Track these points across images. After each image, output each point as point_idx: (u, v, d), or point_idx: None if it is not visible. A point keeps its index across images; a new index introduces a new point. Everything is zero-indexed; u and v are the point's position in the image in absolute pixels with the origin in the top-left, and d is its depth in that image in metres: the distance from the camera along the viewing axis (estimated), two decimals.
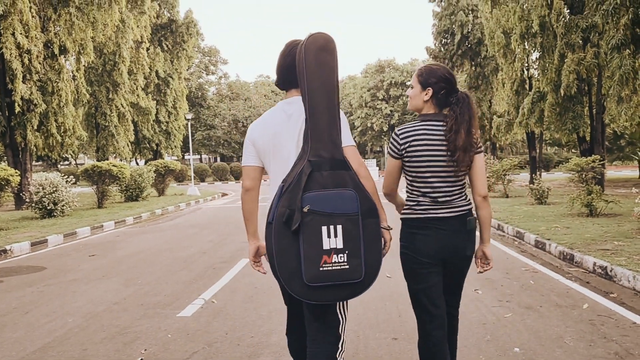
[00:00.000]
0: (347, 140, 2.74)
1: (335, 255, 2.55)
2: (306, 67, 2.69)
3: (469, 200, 3.05)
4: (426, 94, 3.00)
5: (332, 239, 2.55)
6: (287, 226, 2.55)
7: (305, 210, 2.54)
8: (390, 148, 3.04)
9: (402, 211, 3.08)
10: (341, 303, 2.81)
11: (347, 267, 2.56)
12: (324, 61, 2.70)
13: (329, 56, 2.72)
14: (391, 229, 2.84)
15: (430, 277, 3.01)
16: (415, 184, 3.00)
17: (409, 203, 3.04)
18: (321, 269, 2.54)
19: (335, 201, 2.58)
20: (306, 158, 2.64)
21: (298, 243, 2.55)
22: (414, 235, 2.98)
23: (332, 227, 2.55)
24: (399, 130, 3.00)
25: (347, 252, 2.56)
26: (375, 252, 2.64)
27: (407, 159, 2.95)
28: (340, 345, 2.82)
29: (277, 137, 2.81)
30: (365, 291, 2.64)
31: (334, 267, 2.55)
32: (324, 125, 2.68)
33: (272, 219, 2.61)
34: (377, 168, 46.63)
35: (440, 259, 3.00)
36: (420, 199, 2.98)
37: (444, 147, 2.90)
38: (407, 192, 3.07)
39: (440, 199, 2.94)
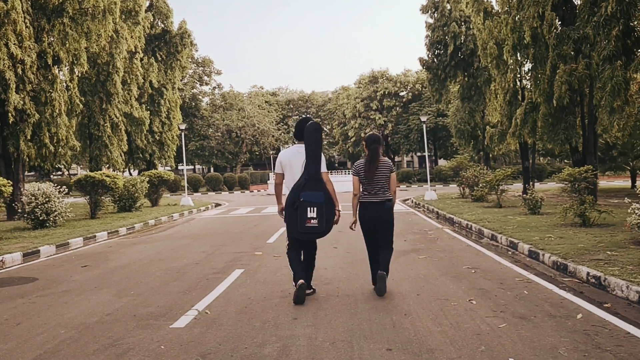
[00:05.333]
0: (323, 169, 6.26)
1: (312, 220, 6.04)
2: (307, 137, 6.20)
3: (388, 194, 6.50)
4: (366, 147, 6.69)
5: (312, 213, 6.04)
6: (293, 206, 6.08)
7: (301, 199, 6.05)
8: (353, 170, 6.69)
9: (359, 199, 6.58)
10: (315, 241, 6.54)
11: (317, 225, 6.06)
12: (315, 136, 6.22)
13: (318, 133, 6.23)
14: (340, 210, 6.42)
15: (369, 229, 6.62)
16: (363, 186, 6.56)
17: (361, 195, 6.57)
18: (306, 225, 6.05)
19: (314, 196, 6.09)
20: (304, 176, 6.15)
21: (297, 214, 6.06)
22: (362, 210, 6.56)
23: (312, 207, 6.04)
24: (356, 163, 6.68)
25: (317, 219, 6.04)
26: (331, 220, 6.17)
27: (359, 176, 6.56)
28: (315, 257, 6.71)
29: (291, 161, 6.31)
30: (325, 235, 6.21)
31: (311, 225, 6.05)
32: (313, 163, 6.17)
33: (287, 202, 6.14)
34: None
35: (373, 222, 6.53)
36: (364, 192, 6.54)
37: (366, 169, 6.56)
38: (361, 190, 6.60)
39: (372, 192, 6.49)
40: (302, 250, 6.52)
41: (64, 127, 20.75)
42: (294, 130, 6.51)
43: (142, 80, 34.28)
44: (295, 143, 6.59)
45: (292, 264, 6.41)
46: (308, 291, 6.52)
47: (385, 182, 6.45)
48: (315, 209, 6.00)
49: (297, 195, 6.04)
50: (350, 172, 6.76)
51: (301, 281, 6.23)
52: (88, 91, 29.32)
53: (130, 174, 39.87)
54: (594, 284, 6.67)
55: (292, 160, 6.29)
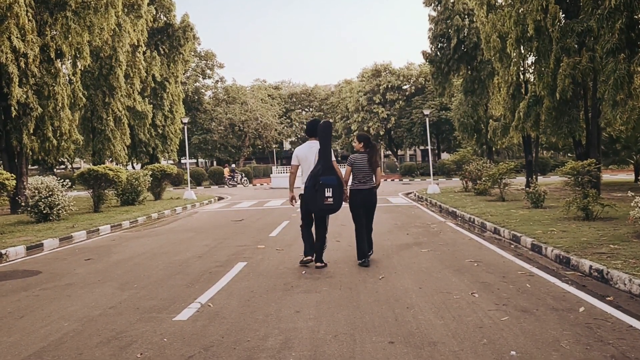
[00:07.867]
0: (333, 158, 7.82)
1: (329, 199, 7.66)
2: (320, 133, 7.86)
3: (374, 182, 8.00)
4: (361, 144, 8.16)
5: (329, 193, 7.65)
6: (313, 188, 7.72)
7: (320, 182, 7.65)
8: (348, 162, 8.07)
9: (350, 187, 8.03)
10: (327, 216, 8.20)
11: (332, 203, 7.70)
12: (327, 132, 7.88)
13: (329, 130, 7.91)
14: (347, 190, 7.98)
15: (358, 211, 8.05)
16: (354, 175, 8.00)
17: (352, 183, 8.02)
18: (324, 203, 7.68)
19: (330, 179, 7.69)
20: (320, 165, 7.76)
21: (316, 194, 7.68)
22: (352, 195, 8.03)
23: (329, 188, 7.66)
24: (351, 155, 8.16)
25: (333, 198, 7.68)
26: (342, 198, 7.82)
27: (353, 167, 7.99)
28: (327, 229, 8.25)
29: (306, 155, 7.97)
30: (337, 211, 7.90)
31: (328, 202, 7.68)
32: (325, 154, 7.76)
33: (307, 185, 7.81)
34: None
35: (362, 205, 8.01)
36: (355, 181, 8.02)
37: (367, 162, 7.98)
38: (352, 178, 8.04)
39: (362, 181, 7.98)
40: (312, 226, 8.15)
41: (67, 121, 20.79)
42: (305, 128, 8.38)
43: (145, 74, 34.22)
44: (307, 139, 8.26)
45: (305, 238, 8.14)
46: (320, 264, 8.01)
47: (372, 173, 8.05)
48: (331, 189, 7.63)
49: (316, 180, 7.65)
50: (346, 164, 8.16)
51: (309, 258, 8.03)
52: (91, 85, 29.34)
53: (133, 168, 39.88)
54: (597, 278, 6.67)
55: (307, 153, 7.95)
